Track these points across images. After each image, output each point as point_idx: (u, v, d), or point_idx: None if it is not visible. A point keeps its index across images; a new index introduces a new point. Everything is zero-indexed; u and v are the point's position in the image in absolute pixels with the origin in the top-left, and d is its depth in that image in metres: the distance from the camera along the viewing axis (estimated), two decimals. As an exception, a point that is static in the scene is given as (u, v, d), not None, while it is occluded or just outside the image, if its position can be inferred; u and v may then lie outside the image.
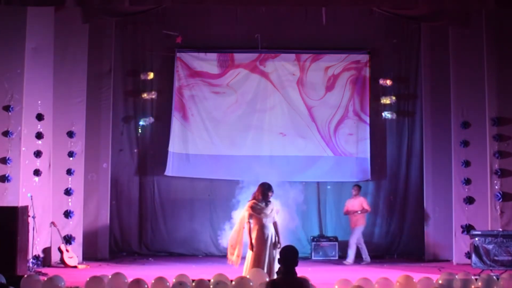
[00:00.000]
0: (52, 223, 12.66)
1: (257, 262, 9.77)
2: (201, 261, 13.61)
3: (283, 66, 14.49)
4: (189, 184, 14.48)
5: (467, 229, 12.73)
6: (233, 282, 8.75)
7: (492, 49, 12.71)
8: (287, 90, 14.48)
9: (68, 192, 13.03)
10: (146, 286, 8.51)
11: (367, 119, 14.38)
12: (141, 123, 14.54)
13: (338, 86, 14.47)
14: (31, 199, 11.84)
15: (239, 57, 14.49)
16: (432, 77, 13.90)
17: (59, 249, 12.56)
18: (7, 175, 11.77)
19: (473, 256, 11.71)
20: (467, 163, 13.10)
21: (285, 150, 14.41)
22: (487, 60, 12.73)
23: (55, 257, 12.68)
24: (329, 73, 14.48)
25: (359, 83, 14.44)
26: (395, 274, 10.13)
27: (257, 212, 9.97)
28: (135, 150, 14.60)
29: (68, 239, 12.86)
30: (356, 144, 14.37)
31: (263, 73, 14.50)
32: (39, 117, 12.47)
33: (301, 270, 9.84)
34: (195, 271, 10.89)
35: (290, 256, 6.25)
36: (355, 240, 13.46)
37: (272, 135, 14.44)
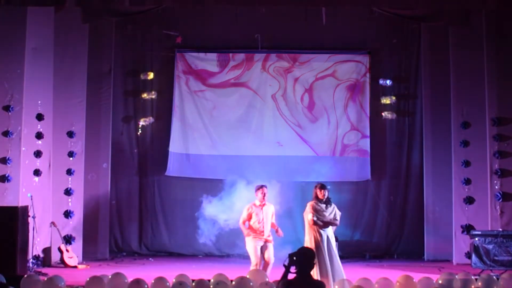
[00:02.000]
0: (52, 223, 12.66)
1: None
2: (201, 261, 13.61)
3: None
4: (189, 184, 14.48)
5: (467, 229, 12.73)
6: (233, 282, 8.75)
7: (492, 49, 12.71)
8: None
9: (68, 192, 13.03)
10: (146, 286, 8.52)
11: (367, 120, 14.35)
12: (141, 123, 14.55)
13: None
14: (31, 199, 11.84)
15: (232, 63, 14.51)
16: (432, 77, 13.89)
17: (59, 249, 12.56)
18: (7, 175, 11.78)
19: (473, 256, 11.70)
20: (467, 163, 13.10)
21: (285, 150, 14.41)
22: (487, 60, 12.73)
23: (55, 257, 12.68)
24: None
25: (357, 88, 14.39)
26: (395, 274, 10.13)
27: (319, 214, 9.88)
28: (135, 150, 14.59)
29: (68, 239, 12.86)
30: (356, 145, 14.36)
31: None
32: (39, 117, 12.47)
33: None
34: (195, 271, 10.89)
35: (307, 258, 6.16)
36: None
37: (270, 137, 14.44)
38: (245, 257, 13.41)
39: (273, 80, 14.41)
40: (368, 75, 14.39)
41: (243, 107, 14.48)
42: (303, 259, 6.14)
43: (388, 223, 14.42)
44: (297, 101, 14.41)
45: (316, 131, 14.39)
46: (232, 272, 9.62)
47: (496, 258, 11.59)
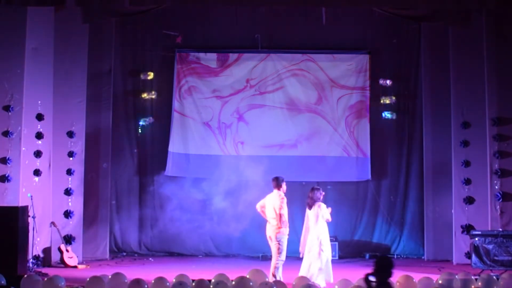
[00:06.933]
0: (52, 223, 12.66)
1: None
2: (201, 261, 13.61)
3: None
4: (189, 184, 14.47)
5: (467, 229, 12.73)
6: (233, 282, 8.76)
7: (492, 49, 12.70)
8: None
9: (68, 192, 13.03)
10: (146, 286, 8.52)
11: (367, 120, 14.35)
12: (141, 123, 14.54)
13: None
14: (31, 199, 11.84)
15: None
16: (432, 77, 13.89)
17: (59, 249, 12.56)
18: (7, 175, 11.78)
19: (473, 256, 11.71)
20: (467, 163, 13.10)
21: (286, 150, 14.39)
22: (487, 60, 12.73)
23: (55, 257, 12.68)
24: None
25: (357, 88, 14.38)
26: (395, 274, 10.11)
27: None
28: (135, 150, 14.59)
29: (68, 239, 12.86)
30: (356, 144, 14.35)
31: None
32: (39, 117, 12.48)
33: (301, 270, 9.84)
34: (195, 271, 10.90)
35: (385, 267, 6.01)
36: None
37: (270, 137, 14.44)
38: (245, 257, 13.47)
39: (272, 77, 14.45)
40: (368, 74, 14.38)
41: (243, 105, 14.46)
42: (382, 268, 6.01)
43: (388, 223, 14.42)
44: (297, 100, 14.40)
45: (315, 132, 14.39)
46: (232, 272, 9.62)
47: (496, 258, 11.60)
